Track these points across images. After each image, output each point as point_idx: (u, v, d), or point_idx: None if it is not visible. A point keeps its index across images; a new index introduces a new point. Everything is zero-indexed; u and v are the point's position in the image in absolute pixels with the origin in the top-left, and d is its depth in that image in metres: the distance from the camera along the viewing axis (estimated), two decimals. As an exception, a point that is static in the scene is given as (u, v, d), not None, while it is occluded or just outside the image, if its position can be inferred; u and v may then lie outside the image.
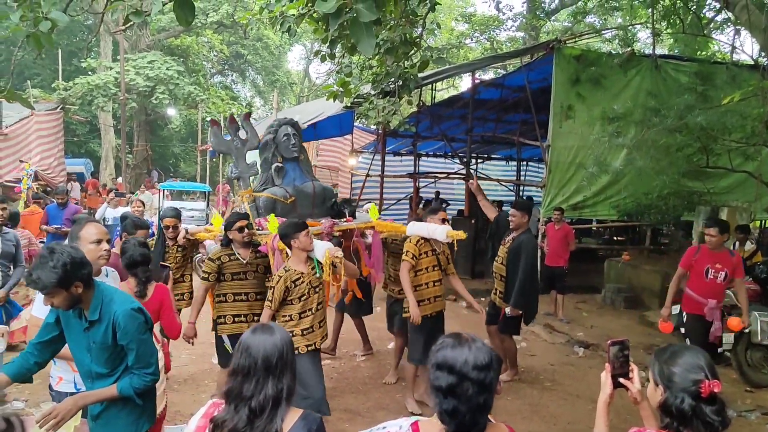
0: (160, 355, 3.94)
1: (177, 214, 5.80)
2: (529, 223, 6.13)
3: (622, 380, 2.17)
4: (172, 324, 3.86)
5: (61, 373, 3.27)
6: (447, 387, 1.78)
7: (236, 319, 4.93)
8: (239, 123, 5.91)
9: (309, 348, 4.39)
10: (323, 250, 4.42)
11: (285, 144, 5.70)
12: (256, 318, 4.84)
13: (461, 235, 5.24)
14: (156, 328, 3.62)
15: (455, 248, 5.55)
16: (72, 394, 3.09)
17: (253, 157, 6.10)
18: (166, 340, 4.32)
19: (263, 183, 5.68)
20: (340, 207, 5.89)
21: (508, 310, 5.88)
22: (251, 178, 5.92)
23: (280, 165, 5.66)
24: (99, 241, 3.17)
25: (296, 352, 4.16)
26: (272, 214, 5.13)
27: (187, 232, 5.79)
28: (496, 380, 1.83)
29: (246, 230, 4.85)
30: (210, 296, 5.07)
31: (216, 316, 5.01)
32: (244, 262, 4.89)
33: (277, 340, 2.05)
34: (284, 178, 5.70)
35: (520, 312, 5.95)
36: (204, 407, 2.19)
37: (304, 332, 4.37)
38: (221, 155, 18.43)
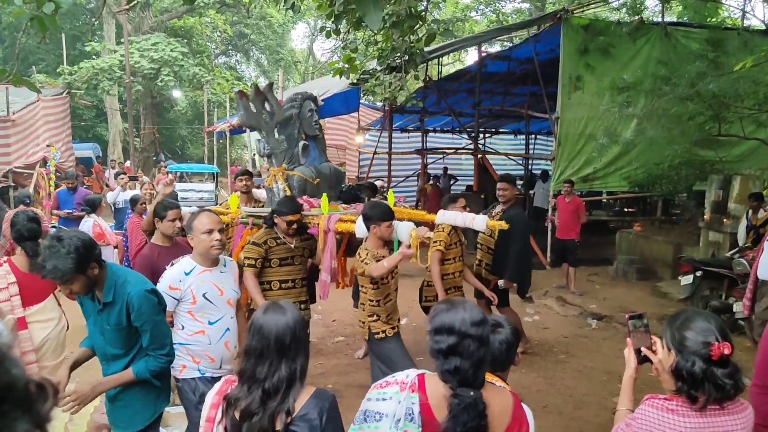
0: (63, 320, 4.04)
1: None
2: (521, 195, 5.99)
3: (645, 352, 2.16)
4: None
5: (184, 362, 3.25)
6: (448, 348, 1.89)
7: None
8: (265, 94, 5.39)
9: (394, 331, 4.24)
10: (408, 230, 4.15)
11: (309, 120, 5.42)
12: (302, 307, 4.52)
13: (503, 225, 4.95)
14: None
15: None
16: (197, 380, 3.25)
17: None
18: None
19: (290, 161, 5.33)
20: (356, 191, 5.75)
21: (501, 282, 5.81)
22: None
23: (305, 143, 5.37)
24: (210, 231, 3.19)
25: (383, 335, 4.14)
26: (324, 194, 4.86)
27: None
28: (488, 332, 1.98)
29: (295, 225, 4.41)
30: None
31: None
32: (292, 246, 4.50)
33: (289, 320, 2.02)
34: (307, 157, 5.41)
35: (514, 285, 5.92)
36: (218, 384, 2.19)
37: (387, 317, 4.22)
38: (228, 136, 18.42)
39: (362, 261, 4.06)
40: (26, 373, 0.71)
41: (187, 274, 3.21)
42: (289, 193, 5.04)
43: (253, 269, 4.32)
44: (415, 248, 4.04)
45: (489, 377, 2.19)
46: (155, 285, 2.99)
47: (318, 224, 4.67)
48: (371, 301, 4.19)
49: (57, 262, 2.50)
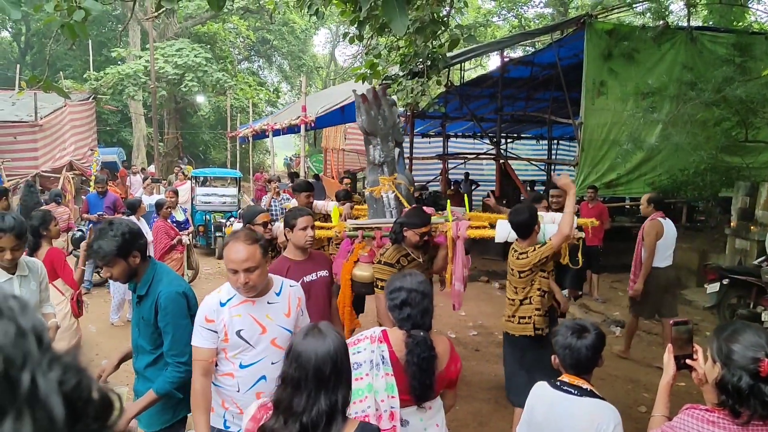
0: (68, 306, 4.34)
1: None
2: None
3: (688, 361, 2.14)
4: (67, 276, 4.49)
5: (213, 404, 2.78)
6: (401, 302, 2.53)
7: None
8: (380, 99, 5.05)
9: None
10: (553, 231, 4.12)
11: (398, 126, 5.13)
12: None
13: (594, 222, 4.94)
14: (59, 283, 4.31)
15: None
16: None
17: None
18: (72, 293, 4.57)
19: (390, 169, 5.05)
20: (437, 198, 5.71)
21: (565, 292, 5.64)
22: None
23: (399, 150, 5.11)
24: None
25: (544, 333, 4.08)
26: (448, 201, 4.77)
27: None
28: (431, 291, 2.61)
29: (426, 237, 4.18)
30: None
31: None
32: (421, 261, 4.20)
33: (329, 347, 1.87)
34: (399, 164, 5.15)
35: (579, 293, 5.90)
36: (253, 408, 2.11)
37: (521, 320, 4.17)
38: (250, 141, 18.56)
39: (532, 252, 4.05)
40: (98, 385, 0.72)
41: (222, 305, 2.65)
42: (405, 203, 4.78)
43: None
44: (564, 248, 4.22)
45: (574, 380, 2.44)
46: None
47: (444, 233, 4.43)
48: (540, 290, 4.12)
49: (102, 243, 2.70)
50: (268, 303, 2.71)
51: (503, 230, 4.20)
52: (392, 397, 2.44)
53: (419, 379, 2.46)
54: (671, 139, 7.72)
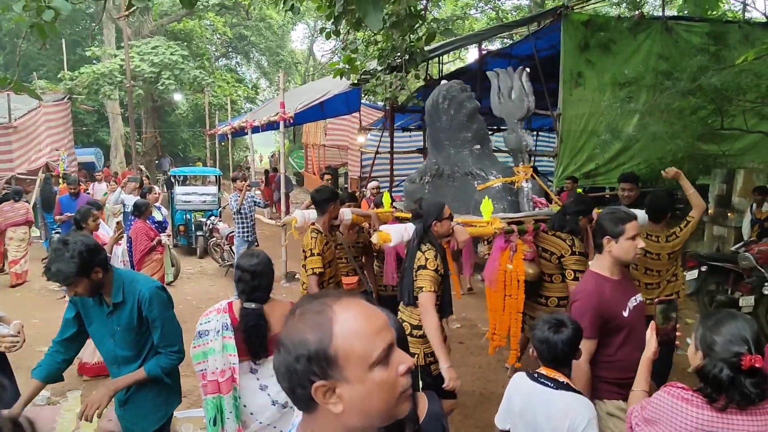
0: None
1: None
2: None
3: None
4: None
5: None
6: (237, 278, 3.02)
7: None
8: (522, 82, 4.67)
9: None
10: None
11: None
12: None
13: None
14: None
15: None
16: None
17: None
18: None
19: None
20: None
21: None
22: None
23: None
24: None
25: None
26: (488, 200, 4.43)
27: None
28: (267, 268, 3.05)
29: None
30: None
31: None
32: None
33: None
34: None
35: None
36: None
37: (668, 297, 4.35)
38: (230, 139, 18.41)
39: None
40: (5, 416, 0.71)
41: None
42: (550, 193, 4.73)
43: None
44: None
45: (551, 373, 2.49)
46: None
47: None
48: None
49: (60, 266, 2.58)
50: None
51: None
52: (231, 355, 2.97)
53: (249, 341, 2.97)
54: (648, 129, 7.77)
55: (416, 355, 3.51)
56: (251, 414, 3.06)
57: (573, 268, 4.11)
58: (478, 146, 4.70)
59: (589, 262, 3.47)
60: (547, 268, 4.30)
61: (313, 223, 4.54)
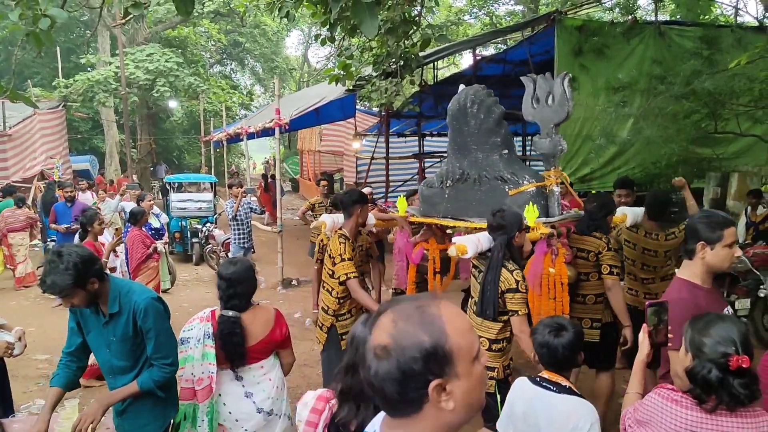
0: None
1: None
2: None
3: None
4: None
5: None
6: (218, 286, 3.05)
7: None
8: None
9: None
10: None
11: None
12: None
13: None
14: None
15: None
16: None
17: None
18: None
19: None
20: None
21: None
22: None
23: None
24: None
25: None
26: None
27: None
28: (245, 275, 3.07)
29: None
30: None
31: None
32: None
33: None
34: None
35: None
36: (310, 400, 2.15)
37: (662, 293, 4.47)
38: (225, 145, 18.41)
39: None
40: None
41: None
42: (578, 198, 4.89)
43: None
44: None
45: (553, 377, 2.49)
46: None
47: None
48: None
49: (55, 278, 2.55)
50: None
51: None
52: (210, 363, 2.99)
53: (226, 349, 3.01)
54: (643, 133, 7.82)
55: (495, 369, 3.47)
56: (236, 421, 3.10)
57: (609, 263, 4.22)
58: (506, 151, 4.72)
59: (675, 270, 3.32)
60: (584, 267, 4.35)
61: (340, 228, 4.49)
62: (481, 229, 4.07)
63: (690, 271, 2.75)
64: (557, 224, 4.28)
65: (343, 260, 4.23)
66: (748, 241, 7.59)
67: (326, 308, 4.47)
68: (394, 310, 1.18)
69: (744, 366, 1.87)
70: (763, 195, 7.97)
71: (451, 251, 3.77)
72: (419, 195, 5.06)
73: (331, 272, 4.36)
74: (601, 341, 4.34)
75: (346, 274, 4.22)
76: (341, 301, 4.39)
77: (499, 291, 3.44)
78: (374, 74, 8.48)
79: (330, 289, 4.44)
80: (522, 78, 4.77)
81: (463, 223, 4.56)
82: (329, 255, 4.36)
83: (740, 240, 7.85)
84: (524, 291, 3.44)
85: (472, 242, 3.72)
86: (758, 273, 6.32)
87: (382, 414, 1.31)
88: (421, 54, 8.28)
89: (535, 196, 4.39)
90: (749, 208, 8.04)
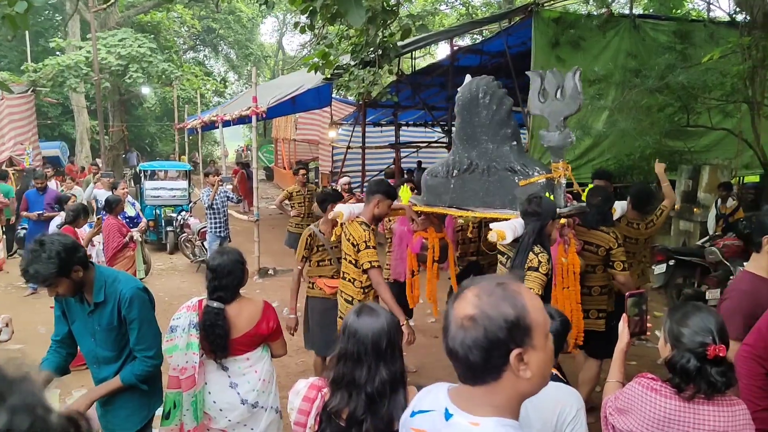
0: None
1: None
2: None
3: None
4: None
5: None
6: (210, 278, 3.02)
7: None
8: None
9: None
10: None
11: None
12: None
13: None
14: None
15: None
16: None
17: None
18: None
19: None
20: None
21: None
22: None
23: None
24: None
25: None
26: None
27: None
28: (232, 267, 3.03)
29: None
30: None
31: None
32: None
33: (383, 323, 2.03)
34: None
35: None
36: (302, 388, 2.18)
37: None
38: (199, 133, 18.21)
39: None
40: (59, 415, 0.71)
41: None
42: (581, 191, 4.85)
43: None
44: None
45: None
46: None
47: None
48: None
49: (38, 267, 2.51)
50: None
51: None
52: (194, 353, 2.98)
53: (208, 340, 2.99)
54: (617, 125, 7.91)
55: None
56: (220, 410, 3.09)
57: (622, 260, 4.33)
58: (515, 143, 4.76)
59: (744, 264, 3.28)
60: (591, 260, 4.42)
61: (357, 216, 4.37)
62: (493, 220, 4.16)
63: (756, 264, 2.82)
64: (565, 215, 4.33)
65: (368, 247, 4.12)
66: (719, 232, 7.76)
67: (350, 299, 4.32)
68: (476, 286, 1.29)
69: (721, 355, 1.94)
70: (733, 187, 8.14)
71: (491, 237, 3.81)
72: (423, 184, 5.05)
73: (354, 261, 4.23)
74: (606, 330, 4.43)
75: (370, 262, 4.12)
76: (366, 290, 4.26)
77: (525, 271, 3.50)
78: (352, 63, 8.46)
79: (352, 279, 4.30)
80: (528, 73, 4.84)
81: (470, 213, 4.58)
82: (352, 243, 4.20)
83: (710, 231, 8.02)
84: (544, 273, 3.45)
85: (510, 228, 3.75)
86: (728, 264, 6.48)
87: (441, 390, 1.41)
88: (399, 43, 8.28)
89: (545, 188, 4.42)
90: (719, 201, 8.21)
